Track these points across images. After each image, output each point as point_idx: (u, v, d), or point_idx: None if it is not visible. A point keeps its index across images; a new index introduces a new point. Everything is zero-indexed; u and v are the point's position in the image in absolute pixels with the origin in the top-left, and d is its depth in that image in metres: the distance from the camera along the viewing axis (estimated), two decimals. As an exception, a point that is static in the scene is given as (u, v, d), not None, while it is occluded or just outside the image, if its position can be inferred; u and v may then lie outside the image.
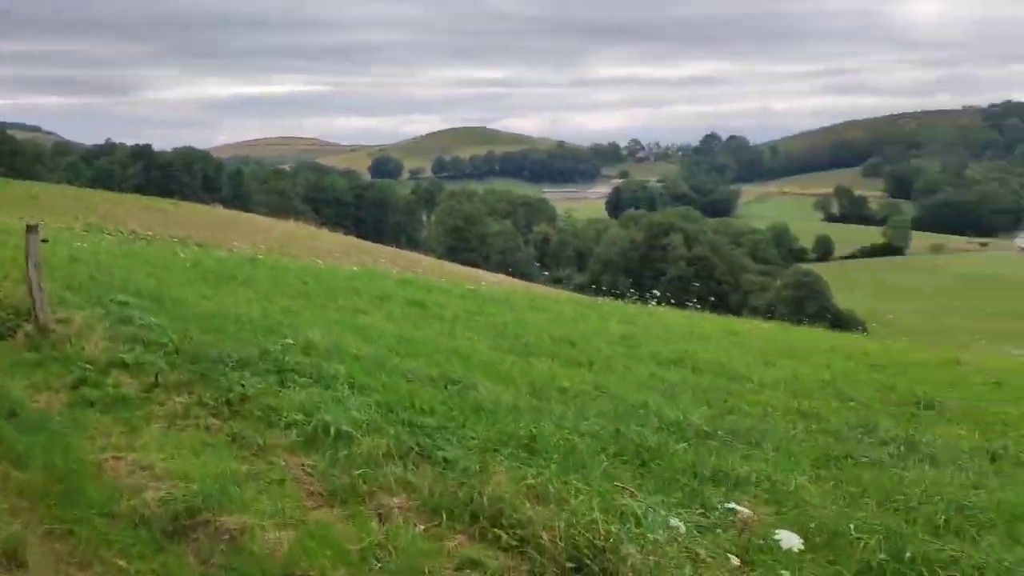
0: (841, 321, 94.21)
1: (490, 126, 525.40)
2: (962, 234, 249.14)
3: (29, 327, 10.55)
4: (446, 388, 9.06)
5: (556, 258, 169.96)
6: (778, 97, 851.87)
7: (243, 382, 8.53)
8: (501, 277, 53.90)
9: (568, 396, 9.31)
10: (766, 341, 16.73)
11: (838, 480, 7.03)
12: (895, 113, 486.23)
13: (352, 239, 72.25)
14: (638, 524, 5.48)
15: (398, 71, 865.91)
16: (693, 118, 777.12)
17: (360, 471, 6.56)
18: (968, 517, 6.30)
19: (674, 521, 5.53)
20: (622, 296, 31.85)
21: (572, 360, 11.88)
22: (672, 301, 29.34)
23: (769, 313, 71.92)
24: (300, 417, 7.63)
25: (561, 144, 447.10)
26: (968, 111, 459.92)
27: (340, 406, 7.84)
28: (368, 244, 70.12)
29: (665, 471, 6.82)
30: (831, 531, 5.73)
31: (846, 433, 8.72)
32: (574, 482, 6.11)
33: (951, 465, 7.81)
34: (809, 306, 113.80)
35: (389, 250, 69.13)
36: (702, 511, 6.01)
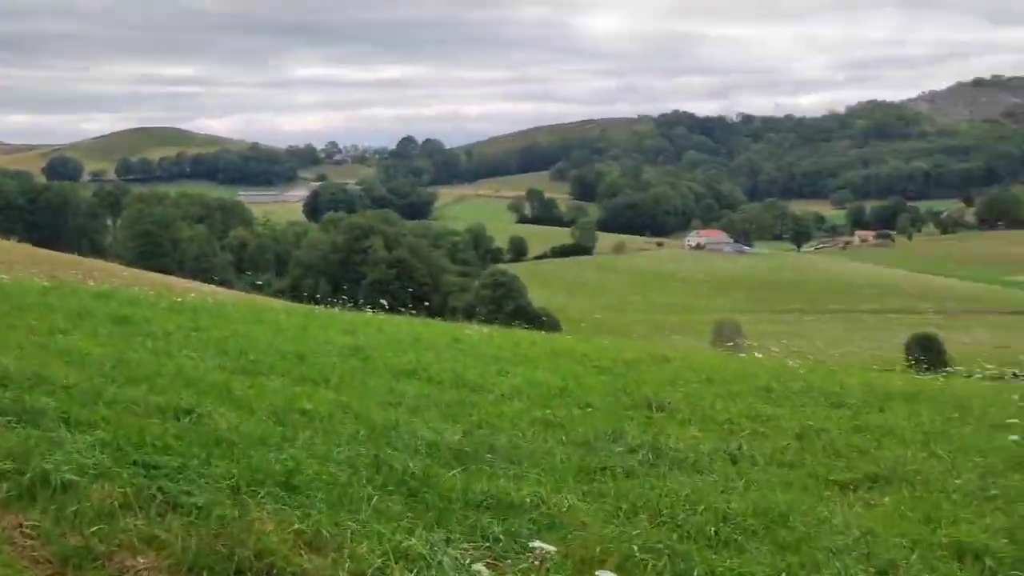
0: (537, 319, 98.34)
1: (181, 126, 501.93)
2: (641, 234, 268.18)
3: None
4: (178, 419, 8.22)
5: (255, 263, 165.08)
6: (471, 102, 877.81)
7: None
8: (199, 284, 51.39)
9: (313, 420, 8.74)
10: (491, 347, 16.79)
11: (604, 496, 7.01)
12: (580, 120, 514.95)
13: (26, 247, 66.24)
14: (428, 567, 5.09)
15: (75, 65, 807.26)
16: (390, 121, 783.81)
17: (94, 528, 5.67)
18: (734, 526, 6.46)
19: (477, 566, 5.17)
20: (324, 301, 31.26)
21: (306, 377, 11.25)
22: (377, 305, 29.13)
23: (469, 314, 73.73)
24: (9, 466, 6.56)
25: (256, 146, 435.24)
26: (643, 119, 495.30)
27: (58, 449, 6.83)
28: (46, 252, 64.59)
29: (438, 501, 6.48)
30: (621, 555, 5.64)
31: (595, 443, 8.79)
32: (347, 523, 5.62)
33: (698, 470, 8.05)
34: (507, 305, 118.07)
35: (72, 258, 63.96)
36: (488, 545, 5.72)
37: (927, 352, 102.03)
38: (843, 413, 11.66)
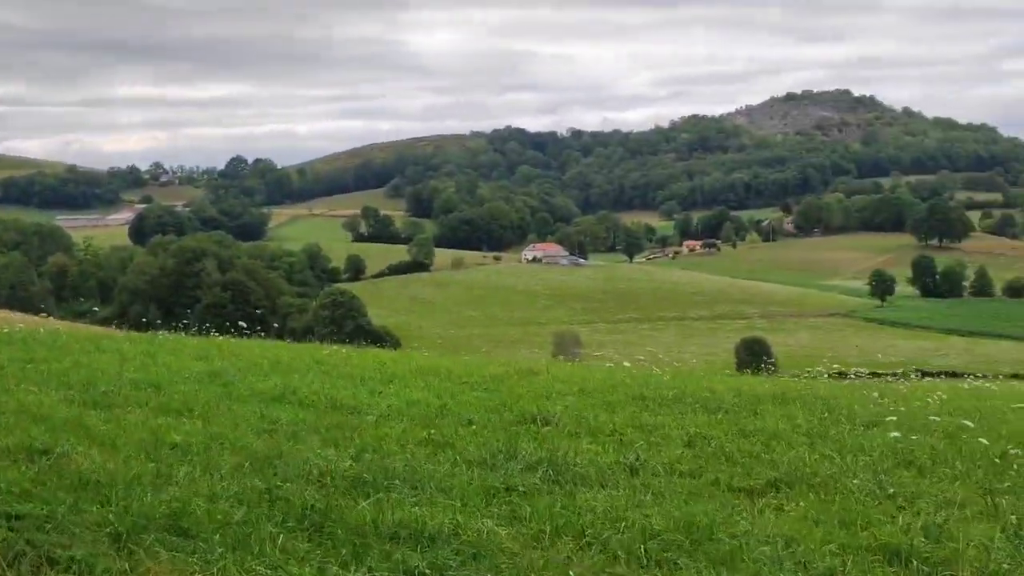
0: (378, 338, 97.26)
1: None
2: (478, 249, 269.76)
3: None
4: (33, 461, 7.37)
5: (77, 290, 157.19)
6: (301, 120, 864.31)
7: None
8: (24, 315, 48.30)
9: (187, 453, 8.03)
10: (354, 367, 16.18)
11: (520, 518, 6.63)
12: (413, 137, 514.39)
13: None
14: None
15: None
16: (218, 141, 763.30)
17: (-45, 593, 4.92)
18: (661, 543, 6.21)
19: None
20: (155, 328, 29.77)
21: (167, 407, 10.43)
22: (212, 330, 28.03)
23: (308, 334, 72.05)
24: None
25: (74, 168, 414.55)
26: (476, 135, 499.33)
27: (-101, 504, 5.96)
28: None
29: (348, 535, 5.95)
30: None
31: (491, 461, 8.41)
32: (255, 567, 5.05)
33: (602, 485, 7.79)
34: (347, 325, 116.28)
35: None
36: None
37: (755, 355, 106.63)
38: (721, 418, 11.68)
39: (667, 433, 10.33)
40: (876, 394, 14.07)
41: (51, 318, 34.12)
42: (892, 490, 7.77)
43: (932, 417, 10.86)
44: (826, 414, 12.18)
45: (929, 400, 13.24)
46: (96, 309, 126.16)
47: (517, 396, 12.91)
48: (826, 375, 21.82)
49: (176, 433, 8.71)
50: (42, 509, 6.04)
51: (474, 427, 10.29)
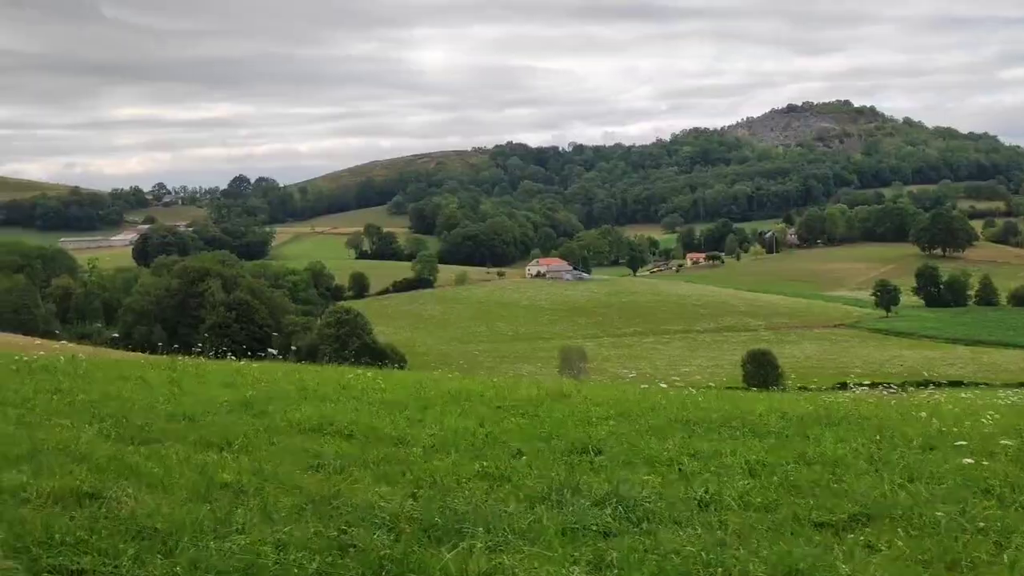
0: (383, 356, 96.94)
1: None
2: (481, 265, 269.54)
3: None
4: (81, 506, 7.02)
5: (81, 312, 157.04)
6: (302, 139, 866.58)
7: None
8: (37, 340, 48.07)
9: (240, 494, 7.67)
10: (384, 393, 15.82)
11: (608, 565, 6.25)
12: (415, 154, 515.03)
13: None
14: None
15: None
16: (220, 161, 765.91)
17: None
18: (762, 587, 5.84)
19: None
20: (160, 348, 29.51)
21: (207, 442, 10.07)
22: (219, 350, 27.86)
23: (312, 354, 71.59)
24: None
25: (77, 190, 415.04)
26: (478, 151, 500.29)
27: (-49, 558, 5.61)
28: None
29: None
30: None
31: (554, 497, 8.05)
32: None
33: (677, 522, 7.43)
34: (352, 343, 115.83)
35: None
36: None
37: (761, 367, 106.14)
38: (775, 443, 11.31)
39: (724, 461, 9.96)
40: (924, 414, 13.68)
41: (69, 343, 33.76)
42: (981, 524, 7.40)
43: (1004, 441, 10.47)
44: (878, 436, 11.80)
45: (984, 420, 12.83)
46: (101, 330, 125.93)
47: (558, 422, 12.55)
48: (855, 388, 21.45)
49: (225, 471, 8.35)
50: (104, 563, 5.69)
51: (525, 458, 9.94)
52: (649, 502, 7.92)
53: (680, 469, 9.51)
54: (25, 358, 19.15)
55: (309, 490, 7.84)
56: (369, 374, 19.27)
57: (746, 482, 8.88)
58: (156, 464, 8.71)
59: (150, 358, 23.59)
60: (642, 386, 17.95)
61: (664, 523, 7.43)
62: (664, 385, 17.68)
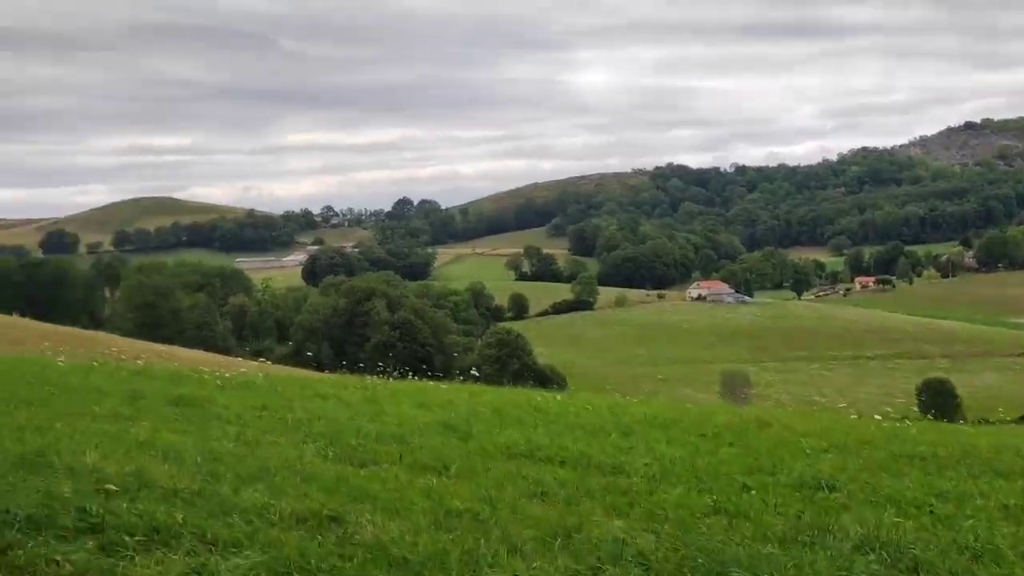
0: (544, 377, 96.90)
1: (175, 195, 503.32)
2: (641, 287, 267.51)
3: None
4: (323, 530, 6.85)
5: (255, 329, 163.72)
6: (464, 161, 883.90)
7: (55, 555, 5.87)
8: (205, 355, 50.14)
9: (477, 522, 7.34)
10: (577, 416, 15.42)
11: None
12: (575, 176, 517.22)
13: (29, 322, 65.13)
14: None
15: (65, 139, 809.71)
16: (384, 184, 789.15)
17: None
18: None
19: None
20: (328, 366, 30.07)
21: (422, 465, 9.87)
22: (385, 368, 28.17)
23: (476, 374, 72.26)
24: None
25: (252, 212, 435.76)
26: (638, 173, 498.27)
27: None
28: (52, 327, 63.31)
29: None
30: None
31: (806, 538, 7.41)
32: None
33: (953, 574, 6.69)
34: (512, 364, 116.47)
35: (74, 332, 62.72)
36: None
37: (938, 396, 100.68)
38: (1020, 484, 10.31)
39: (977, 504, 9.08)
40: None
41: (268, 362, 34.87)
42: None
43: None
44: None
45: None
46: (272, 347, 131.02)
47: (770, 453, 11.84)
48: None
49: (453, 497, 8.10)
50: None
51: (754, 492, 9.31)
52: (914, 548, 7.19)
53: (931, 511, 8.71)
54: (227, 374, 19.74)
55: (549, 521, 7.47)
56: (558, 397, 18.96)
57: (1013, 529, 8.03)
58: (380, 486, 8.54)
59: (339, 377, 23.99)
60: (852, 416, 16.96)
61: (937, 574, 6.71)
62: (878, 417, 16.64)
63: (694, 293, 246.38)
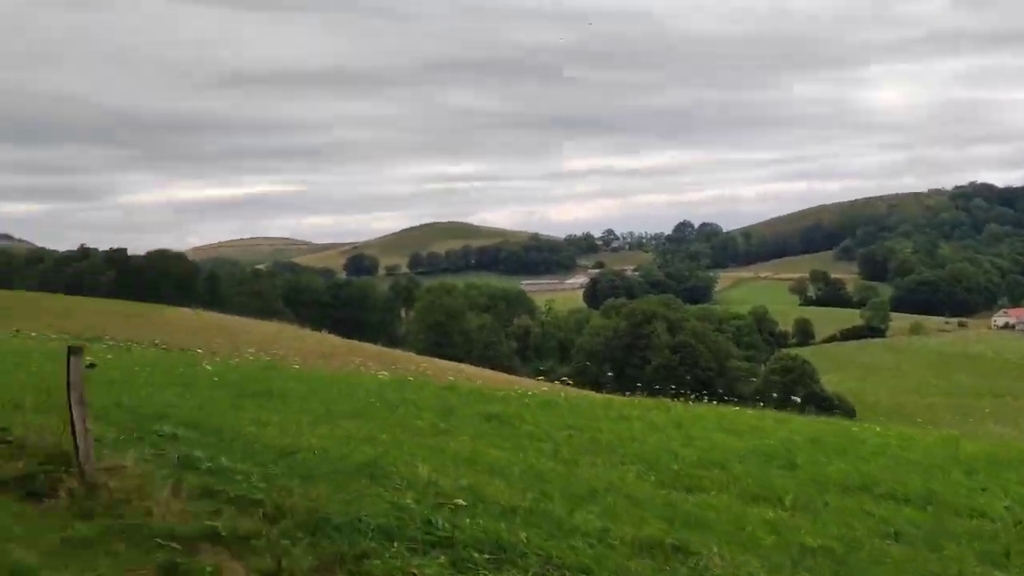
0: (831, 405, 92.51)
1: (465, 220, 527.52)
2: (939, 314, 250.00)
3: (72, 483, 7.93)
4: (667, 557, 6.56)
5: (538, 350, 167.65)
6: (746, 184, 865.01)
7: (409, 567, 5.95)
8: (494, 374, 51.64)
9: (829, 562, 6.84)
10: (902, 449, 14.31)
11: None
12: (864, 196, 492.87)
13: (337, 339, 69.97)
14: None
15: (367, 168, 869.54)
16: (664, 207, 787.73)
17: None
18: None
19: None
20: (609, 387, 29.66)
21: (752, 495, 9.44)
22: (667, 391, 27.46)
23: (759, 399, 69.87)
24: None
25: (536, 236, 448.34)
26: (935, 193, 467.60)
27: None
28: (358, 343, 67.68)
29: None
30: None
31: None
32: None
33: None
34: (798, 391, 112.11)
35: (378, 349, 66.68)
36: None
37: None
38: None
39: None
40: None
41: (557, 382, 35.48)
42: None
43: None
44: None
45: None
46: (555, 367, 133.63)
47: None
48: None
49: (801, 532, 7.57)
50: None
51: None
52: None
53: None
54: (530, 392, 20.07)
55: (910, 565, 6.81)
56: (877, 428, 17.78)
57: None
58: (715, 515, 8.15)
59: (638, 399, 23.84)
60: None
61: None
62: None
63: (1000, 321, 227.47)
